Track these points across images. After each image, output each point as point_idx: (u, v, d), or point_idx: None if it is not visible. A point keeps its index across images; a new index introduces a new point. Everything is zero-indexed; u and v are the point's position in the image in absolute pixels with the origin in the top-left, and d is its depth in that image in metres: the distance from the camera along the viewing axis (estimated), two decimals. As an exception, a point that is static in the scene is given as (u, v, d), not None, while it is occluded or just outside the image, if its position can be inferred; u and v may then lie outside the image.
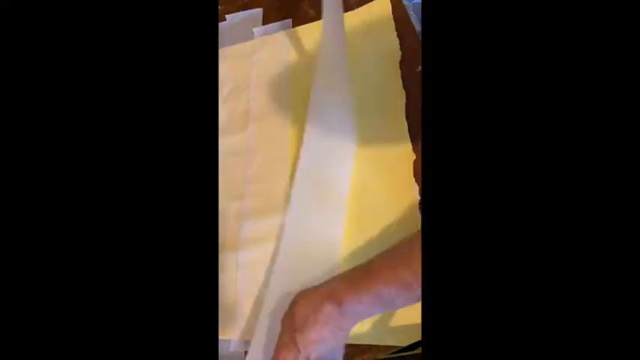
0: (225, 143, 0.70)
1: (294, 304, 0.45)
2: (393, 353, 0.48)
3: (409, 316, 0.50)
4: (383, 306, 0.42)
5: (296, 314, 0.43)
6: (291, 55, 0.74)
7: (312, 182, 0.60)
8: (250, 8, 0.82)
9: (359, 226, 0.57)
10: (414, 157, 0.57)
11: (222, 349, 0.57)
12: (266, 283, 0.56)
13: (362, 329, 0.51)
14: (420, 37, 0.65)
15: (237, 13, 0.83)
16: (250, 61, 0.77)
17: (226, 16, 0.83)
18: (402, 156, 0.58)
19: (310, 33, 0.74)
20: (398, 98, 0.62)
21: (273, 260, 0.58)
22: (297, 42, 0.75)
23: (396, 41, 0.66)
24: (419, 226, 0.53)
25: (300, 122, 0.67)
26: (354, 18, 0.72)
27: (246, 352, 0.56)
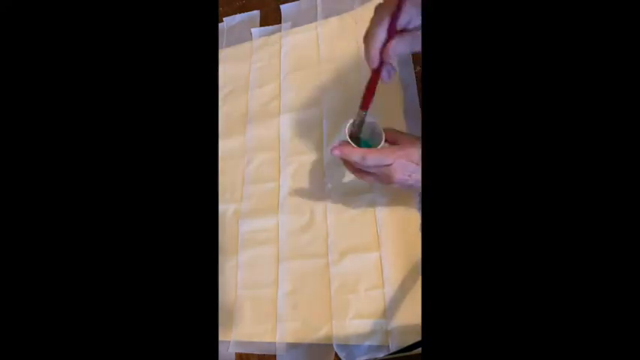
0: (224, 145, 0.71)
1: None
2: (393, 353, 0.48)
3: (409, 316, 0.50)
4: None
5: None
6: (290, 56, 0.74)
7: None
8: (247, 10, 0.82)
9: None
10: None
11: (221, 351, 0.57)
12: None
13: (362, 329, 0.51)
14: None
15: (235, 16, 0.83)
16: (249, 63, 0.77)
17: (224, 18, 0.83)
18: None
19: (308, 33, 0.74)
20: (396, 97, 0.62)
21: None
22: (295, 43, 0.75)
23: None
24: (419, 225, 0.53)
25: (299, 123, 0.67)
26: (354, 18, 0.72)
27: (244, 354, 0.56)
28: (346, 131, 0.48)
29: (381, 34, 0.41)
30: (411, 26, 0.41)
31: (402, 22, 0.41)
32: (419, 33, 0.41)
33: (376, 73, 0.45)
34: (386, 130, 0.49)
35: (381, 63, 0.43)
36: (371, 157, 0.45)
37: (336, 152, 0.47)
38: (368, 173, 0.48)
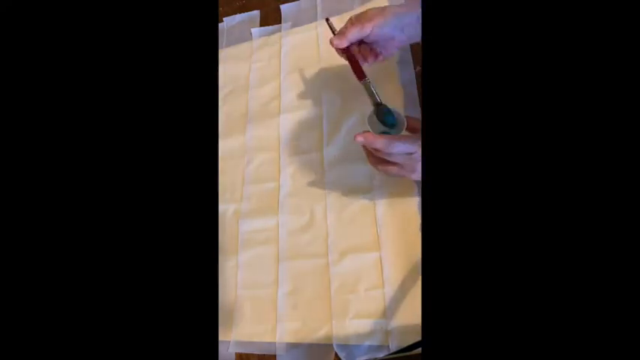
0: (224, 145, 0.70)
1: None
2: (393, 353, 0.48)
3: (409, 316, 0.50)
4: None
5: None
6: (290, 56, 0.74)
7: None
8: (247, 10, 0.82)
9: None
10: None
11: (221, 351, 0.57)
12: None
13: (362, 329, 0.51)
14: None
15: (235, 16, 0.83)
16: (249, 63, 0.77)
17: (224, 18, 0.83)
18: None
19: (308, 33, 0.74)
20: (396, 96, 0.62)
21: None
22: (295, 43, 0.75)
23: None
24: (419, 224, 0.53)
25: (299, 123, 0.67)
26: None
27: (244, 354, 0.56)
28: (367, 120, 0.48)
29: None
30: None
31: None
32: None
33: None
34: (408, 118, 0.48)
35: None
36: (396, 145, 0.45)
37: (360, 139, 0.46)
38: (391, 163, 0.47)
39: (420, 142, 0.45)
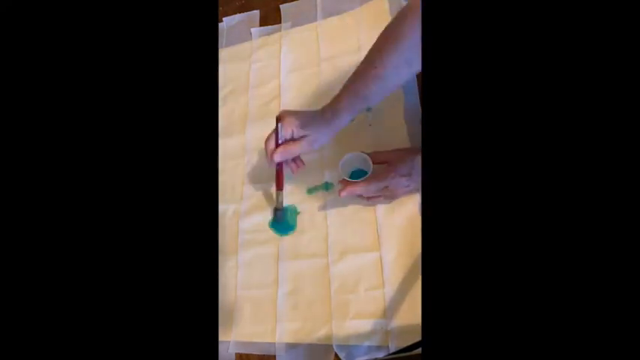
0: (224, 145, 0.70)
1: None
2: (393, 353, 0.48)
3: (409, 316, 0.50)
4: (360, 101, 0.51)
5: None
6: (289, 56, 0.74)
7: None
8: (247, 10, 0.82)
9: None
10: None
11: (221, 351, 0.57)
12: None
13: (362, 329, 0.51)
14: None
15: (235, 15, 0.83)
16: (248, 63, 0.77)
17: (224, 18, 0.83)
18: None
19: (308, 33, 0.74)
20: (397, 99, 0.62)
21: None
22: (295, 42, 0.75)
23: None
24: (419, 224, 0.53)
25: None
26: (354, 18, 0.72)
27: (244, 354, 0.56)
28: (339, 166, 0.56)
29: (271, 144, 0.54)
30: (295, 136, 0.54)
31: (286, 136, 0.54)
32: (294, 144, 0.53)
33: (277, 169, 0.58)
34: (373, 155, 0.56)
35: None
36: (371, 187, 0.54)
37: (344, 194, 0.55)
38: (376, 197, 0.56)
39: (390, 175, 0.53)
